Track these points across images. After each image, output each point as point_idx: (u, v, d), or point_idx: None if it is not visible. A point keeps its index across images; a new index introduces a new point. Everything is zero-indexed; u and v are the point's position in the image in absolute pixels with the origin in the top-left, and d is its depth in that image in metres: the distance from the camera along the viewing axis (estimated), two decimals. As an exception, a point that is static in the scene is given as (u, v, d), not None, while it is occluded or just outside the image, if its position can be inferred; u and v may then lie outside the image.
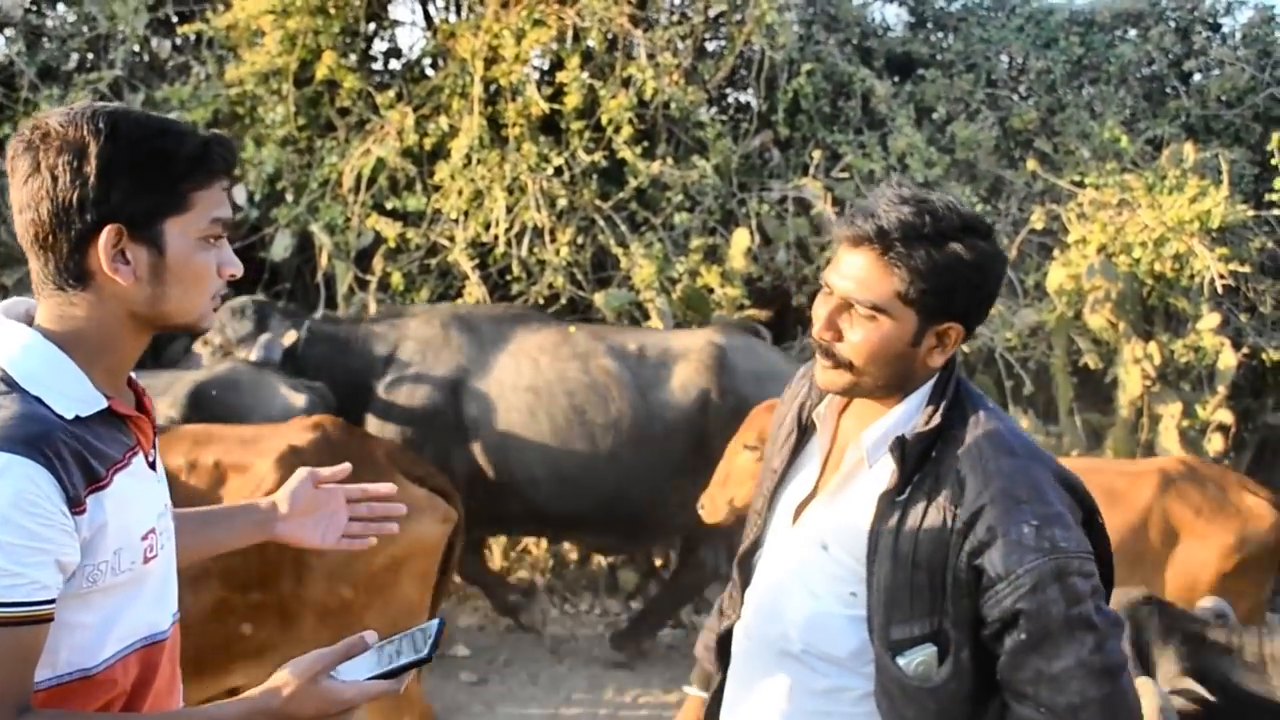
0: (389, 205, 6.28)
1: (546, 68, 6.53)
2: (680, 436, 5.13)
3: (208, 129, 6.68)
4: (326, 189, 6.31)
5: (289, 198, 6.36)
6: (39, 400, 1.53)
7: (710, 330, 5.48)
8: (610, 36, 6.24)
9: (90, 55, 6.69)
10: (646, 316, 6.04)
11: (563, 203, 6.10)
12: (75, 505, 1.51)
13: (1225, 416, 5.83)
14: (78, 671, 1.57)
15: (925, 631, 1.82)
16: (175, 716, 1.60)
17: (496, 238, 6.03)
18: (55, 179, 1.52)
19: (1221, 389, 5.83)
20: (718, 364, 5.19)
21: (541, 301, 6.14)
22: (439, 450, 5.03)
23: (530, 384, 5.16)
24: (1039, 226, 6.11)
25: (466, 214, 6.09)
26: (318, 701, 1.55)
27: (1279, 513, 3.99)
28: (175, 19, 6.76)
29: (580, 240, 6.18)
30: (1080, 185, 6.22)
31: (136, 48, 6.77)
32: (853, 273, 1.84)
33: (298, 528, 2.02)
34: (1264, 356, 6.09)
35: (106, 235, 1.54)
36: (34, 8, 6.92)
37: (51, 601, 1.50)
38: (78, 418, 1.55)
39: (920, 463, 1.84)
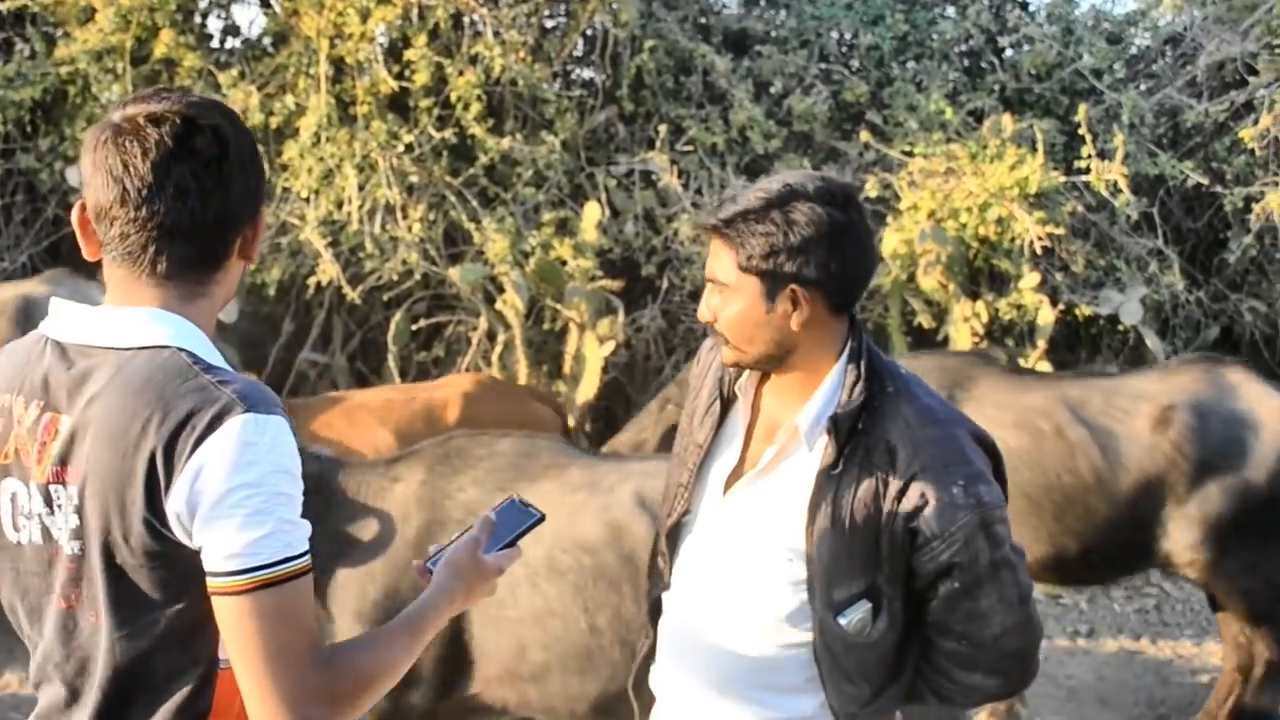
0: (235, 185, 6.18)
1: (392, 45, 6.53)
2: None
3: (34, 109, 6.36)
4: (169, 169, 6.17)
5: (128, 179, 6.19)
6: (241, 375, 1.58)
7: (31, 281, 5.42)
8: (455, 14, 6.29)
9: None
10: (501, 290, 6.13)
11: (414, 179, 6.14)
12: None
13: (1045, 368, 6.27)
14: None
15: (861, 589, 2.00)
16: (413, 617, 1.69)
17: (349, 215, 6.03)
18: (242, 163, 1.59)
19: (1041, 343, 6.27)
20: (22, 314, 5.08)
21: (396, 278, 6.17)
22: None
23: None
24: (873, 195, 6.43)
25: (317, 192, 6.07)
26: (482, 574, 1.77)
27: (559, 417, 5.25)
28: (-6, -6, 6.49)
29: (432, 216, 6.23)
30: (910, 155, 6.57)
31: (-47, 25, 6.48)
32: (710, 257, 2.04)
33: None
34: (1077, 312, 6.57)
35: (259, 218, 1.65)
36: None
37: None
38: None
39: (849, 436, 2.00)
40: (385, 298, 6.39)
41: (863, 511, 1.98)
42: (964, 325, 6.24)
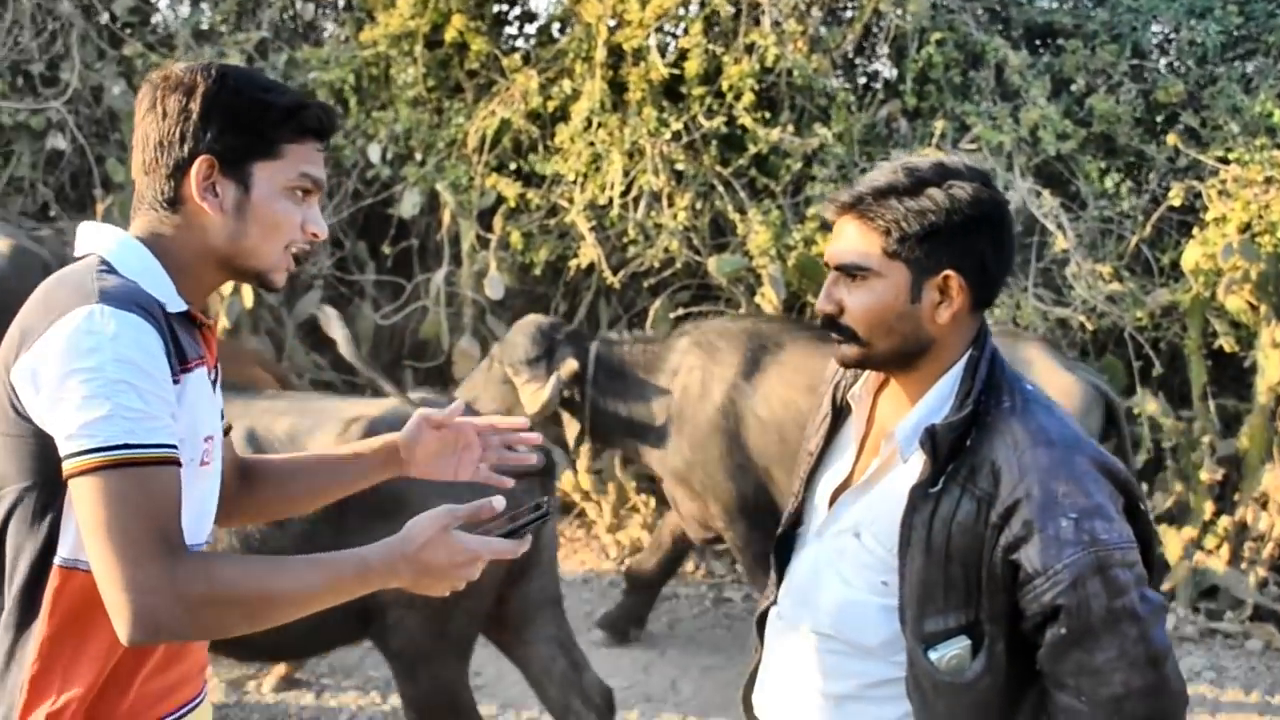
0: (512, 166, 6.39)
1: (673, 32, 6.54)
2: None
3: (342, 90, 6.83)
4: (453, 149, 6.47)
5: (418, 157, 6.54)
6: (136, 284, 1.70)
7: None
8: (737, 3, 6.21)
9: (239, 17, 7.00)
10: (760, 283, 6.00)
11: (682, 167, 6.11)
12: (174, 375, 1.66)
13: (1373, 411, 5.48)
14: None
15: (960, 624, 1.80)
16: (330, 557, 1.68)
17: (612, 200, 6.08)
18: (165, 114, 1.74)
19: (1371, 379, 5.48)
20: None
21: (657, 265, 6.17)
22: None
23: None
24: (1176, 203, 5.83)
25: (585, 176, 6.16)
26: (447, 550, 1.65)
27: (281, 384, 5.04)
28: (319, -17, 7.03)
29: (699, 205, 6.18)
30: (1225, 162, 5.90)
31: (283, 10, 7.05)
32: (840, 241, 1.87)
33: (428, 466, 2.10)
34: None
35: (198, 165, 1.72)
36: (193, -27, 7.29)
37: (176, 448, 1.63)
38: (165, 310, 1.70)
39: (954, 452, 1.80)
40: (649, 283, 6.40)
41: (962, 537, 1.77)
42: (1274, 352, 5.53)
